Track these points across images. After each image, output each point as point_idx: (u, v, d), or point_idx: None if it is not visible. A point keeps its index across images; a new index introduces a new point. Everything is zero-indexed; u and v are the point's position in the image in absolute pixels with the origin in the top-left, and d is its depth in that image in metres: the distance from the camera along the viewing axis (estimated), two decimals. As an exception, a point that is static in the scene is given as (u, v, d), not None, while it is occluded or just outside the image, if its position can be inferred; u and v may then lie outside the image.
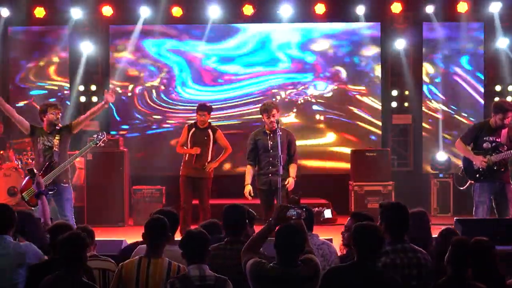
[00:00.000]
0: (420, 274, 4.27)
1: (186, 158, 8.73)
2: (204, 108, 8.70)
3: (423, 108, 11.67)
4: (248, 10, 11.28)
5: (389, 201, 4.66)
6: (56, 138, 7.55)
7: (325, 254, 4.89)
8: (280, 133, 7.19)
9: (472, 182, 7.71)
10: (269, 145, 7.38)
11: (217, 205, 9.51)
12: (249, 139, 7.70)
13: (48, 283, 4.16)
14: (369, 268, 4.05)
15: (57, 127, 7.62)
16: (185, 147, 8.75)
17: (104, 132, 7.91)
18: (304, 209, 4.34)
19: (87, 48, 11.41)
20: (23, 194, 7.35)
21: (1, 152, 10.47)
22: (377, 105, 11.75)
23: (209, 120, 8.80)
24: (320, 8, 11.27)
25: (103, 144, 7.79)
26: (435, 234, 5.24)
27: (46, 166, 7.39)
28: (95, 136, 7.76)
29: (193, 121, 8.88)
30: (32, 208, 7.10)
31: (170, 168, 11.15)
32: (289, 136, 7.59)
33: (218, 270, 4.26)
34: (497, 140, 7.54)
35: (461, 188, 8.29)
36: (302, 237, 4.14)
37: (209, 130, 8.71)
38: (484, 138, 7.57)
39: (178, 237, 4.87)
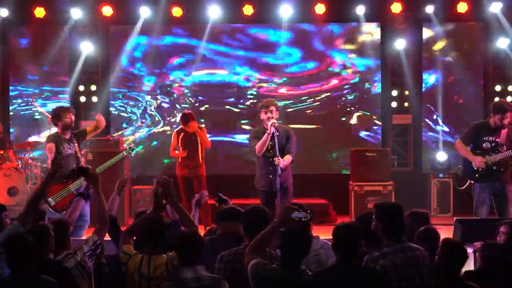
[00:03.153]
0: (421, 273, 4.27)
1: (179, 160, 9.36)
2: (189, 119, 9.19)
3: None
4: (248, 10, 11.27)
5: (384, 202, 4.65)
6: (75, 144, 7.58)
7: (321, 260, 4.76)
8: (278, 133, 7.16)
9: (472, 182, 7.71)
10: (268, 145, 7.31)
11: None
12: (250, 136, 7.59)
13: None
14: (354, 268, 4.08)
15: (72, 132, 7.67)
16: (176, 151, 9.39)
17: (138, 145, 8.18)
18: (309, 212, 4.34)
19: (87, 48, 11.41)
20: (48, 199, 7.09)
21: (1, 152, 10.47)
22: (377, 105, 11.76)
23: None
24: (320, 8, 11.26)
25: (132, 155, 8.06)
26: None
27: (72, 172, 7.30)
28: (129, 145, 7.97)
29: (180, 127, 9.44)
30: (57, 213, 7.08)
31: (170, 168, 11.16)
32: (288, 133, 7.49)
33: (236, 275, 4.27)
34: (496, 140, 7.54)
35: (461, 188, 8.29)
36: (308, 240, 4.15)
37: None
38: (484, 138, 7.57)
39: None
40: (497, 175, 7.52)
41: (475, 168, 7.59)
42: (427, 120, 11.74)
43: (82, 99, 11.68)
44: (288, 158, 7.33)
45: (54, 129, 10.82)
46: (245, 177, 8.50)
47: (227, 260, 4.50)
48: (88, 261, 4.68)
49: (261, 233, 4.37)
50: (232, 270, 4.42)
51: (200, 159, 9.28)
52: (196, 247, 4.21)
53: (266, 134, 7.23)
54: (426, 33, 11.63)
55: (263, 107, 7.39)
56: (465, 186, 8.05)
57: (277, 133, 7.15)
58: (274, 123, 7.21)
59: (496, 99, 10.87)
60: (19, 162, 10.60)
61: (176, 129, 9.58)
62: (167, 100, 11.78)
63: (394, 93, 11.73)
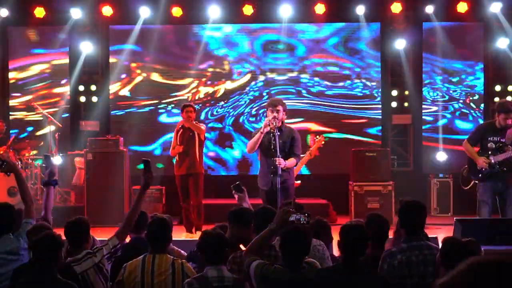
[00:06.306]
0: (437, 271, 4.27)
1: (177, 158, 9.03)
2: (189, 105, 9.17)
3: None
4: (248, 10, 11.27)
5: (408, 199, 4.65)
6: None
7: (317, 256, 4.72)
8: (278, 133, 7.13)
9: (477, 182, 7.74)
10: (271, 144, 7.24)
11: (217, 206, 9.57)
12: (252, 134, 7.53)
13: (23, 284, 4.13)
14: (354, 268, 4.07)
15: None
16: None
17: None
18: (306, 215, 4.34)
19: (87, 48, 11.41)
20: None
21: (1, 152, 10.46)
22: (377, 105, 11.76)
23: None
24: (320, 8, 11.27)
25: None
26: (434, 234, 5.25)
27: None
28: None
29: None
30: None
31: (170, 168, 11.14)
32: (293, 134, 7.41)
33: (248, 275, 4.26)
34: (501, 140, 7.55)
35: (465, 188, 8.30)
36: (309, 241, 4.15)
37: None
38: (489, 139, 7.59)
39: (177, 237, 4.89)
40: (500, 175, 7.52)
41: (478, 168, 7.61)
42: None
43: (82, 99, 11.69)
44: (292, 161, 7.31)
45: (53, 128, 10.91)
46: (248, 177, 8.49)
47: (241, 262, 4.45)
48: (106, 264, 4.64)
49: (259, 235, 4.37)
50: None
51: (197, 156, 8.91)
52: (220, 248, 4.22)
53: (259, 133, 7.17)
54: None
55: (270, 105, 7.32)
56: (469, 186, 8.06)
57: (278, 133, 7.12)
58: (270, 121, 7.13)
59: (496, 99, 10.88)
60: (19, 162, 10.60)
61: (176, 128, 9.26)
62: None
63: (394, 93, 11.73)
